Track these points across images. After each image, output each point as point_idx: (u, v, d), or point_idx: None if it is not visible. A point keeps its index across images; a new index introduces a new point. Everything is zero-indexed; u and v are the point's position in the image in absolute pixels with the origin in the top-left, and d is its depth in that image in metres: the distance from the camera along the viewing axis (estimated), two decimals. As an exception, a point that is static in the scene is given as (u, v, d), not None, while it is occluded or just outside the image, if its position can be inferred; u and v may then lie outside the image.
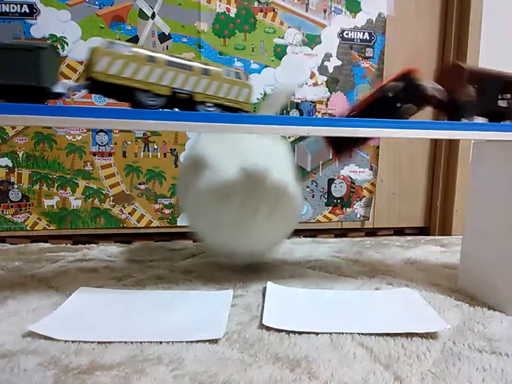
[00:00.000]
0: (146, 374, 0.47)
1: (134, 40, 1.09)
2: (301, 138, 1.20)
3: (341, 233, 1.27)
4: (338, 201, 1.25)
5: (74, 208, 1.12)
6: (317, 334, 0.57)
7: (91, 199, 1.13)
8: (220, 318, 0.62)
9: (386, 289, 0.76)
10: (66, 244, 1.09)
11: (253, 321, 0.61)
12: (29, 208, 1.10)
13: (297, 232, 1.22)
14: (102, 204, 1.13)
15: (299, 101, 1.19)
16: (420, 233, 1.31)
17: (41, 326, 0.57)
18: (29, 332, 0.56)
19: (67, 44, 1.06)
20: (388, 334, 0.57)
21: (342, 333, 0.57)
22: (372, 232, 1.30)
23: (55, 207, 1.11)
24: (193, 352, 0.52)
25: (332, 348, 0.54)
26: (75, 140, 1.10)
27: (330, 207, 1.25)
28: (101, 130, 1.11)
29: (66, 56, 1.06)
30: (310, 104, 1.20)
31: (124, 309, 0.65)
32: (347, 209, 1.26)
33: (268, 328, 0.58)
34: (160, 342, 0.54)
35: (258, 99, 1.16)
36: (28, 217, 1.10)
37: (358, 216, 1.27)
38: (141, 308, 0.66)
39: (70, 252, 0.99)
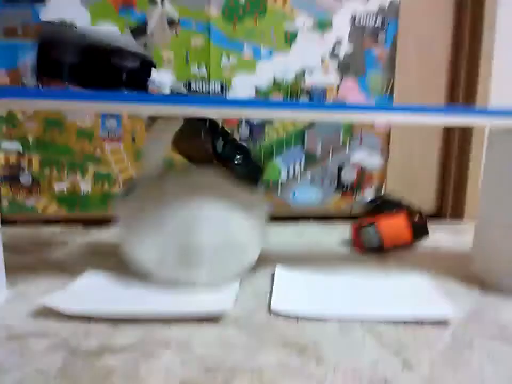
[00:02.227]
0: (154, 358, 0.48)
1: (143, 25, 1.08)
2: (312, 124, 1.19)
3: (351, 218, 1.26)
4: (349, 187, 1.24)
5: (85, 192, 1.13)
6: (326, 320, 0.57)
7: (101, 184, 1.13)
8: (228, 295, 0.63)
9: (397, 273, 0.75)
10: (77, 228, 1.09)
11: (261, 306, 0.61)
12: (40, 192, 1.11)
13: (307, 218, 1.21)
14: (112, 188, 1.13)
15: (309, 87, 1.17)
16: (432, 217, 1.29)
17: (52, 300, 0.58)
18: (39, 313, 0.56)
19: (75, 26, 1.05)
20: (397, 321, 0.57)
21: (351, 319, 0.57)
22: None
23: (65, 191, 1.12)
24: (200, 336, 0.52)
25: (340, 333, 0.54)
26: (84, 125, 1.10)
27: (340, 193, 1.24)
28: (110, 116, 1.11)
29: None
30: (321, 90, 1.18)
31: (132, 289, 0.66)
32: (357, 195, 1.25)
33: (276, 314, 0.58)
34: (169, 324, 0.55)
35: (268, 85, 1.15)
36: (39, 201, 1.11)
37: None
38: (149, 287, 0.66)
39: (80, 235, 1.00)
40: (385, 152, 1.24)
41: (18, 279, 0.69)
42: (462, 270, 0.78)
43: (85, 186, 1.12)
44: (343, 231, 1.07)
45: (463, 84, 1.24)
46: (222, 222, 0.69)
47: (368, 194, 1.25)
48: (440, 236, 1.03)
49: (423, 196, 1.29)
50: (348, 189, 1.24)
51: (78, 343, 0.50)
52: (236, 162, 0.72)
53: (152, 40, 1.09)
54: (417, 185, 1.28)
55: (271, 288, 0.67)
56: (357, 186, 1.24)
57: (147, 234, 0.67)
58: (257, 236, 0.73)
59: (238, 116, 1.09)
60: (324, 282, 0.70)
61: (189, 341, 0.51)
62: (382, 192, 1.25)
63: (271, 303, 0.60)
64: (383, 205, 1.09)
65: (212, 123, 0.70)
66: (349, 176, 1.23)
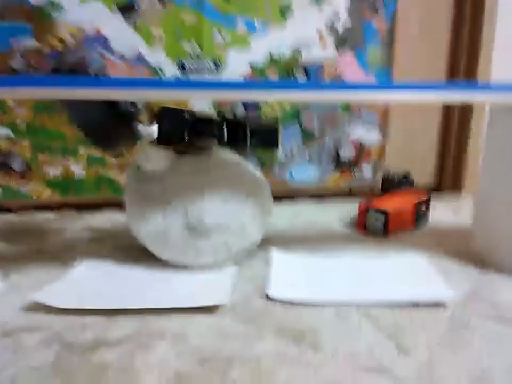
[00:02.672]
0: (150, 350, 0.47)
1: (131, 3, 1.04)
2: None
3: (350, 194, 1.25)
4: (347, 164, 1.22)
5: (78, 176, 1.11)
6: (323, 305, 0.56)
7: (95, 168, 1.11)
8: (225, 285, 0.62)
9: (395, 254, 0.74)
10: (71, 212, 1.08)
11: (258, 292, 0.61)
12: (33, 178, 1.09)
13: (305, 196, 1.20)
14: (106, 172, 1.12)
15: (306, 62, 1.14)
16: (431, 190, 1.27)
17: (44, 295, 0.57)
18: (32, 306, 0.56)
19: (62, 7, 1.01)
20: (394, 304, 0.56)
21: (348, 304, 0.56)
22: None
23: (59, 176, 1.10)
24: (196, 326, 0.52)
25: (337, 319, 0.53)
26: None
27: (339, 171, 1.22)
28: (101, 97, 1.08)
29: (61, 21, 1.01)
30: (318, 66, 1.14)
31: (127, 279, 0.65)
32: (355, 171, 1.23)
33: (273, 300, 0.58)
34: (164, 315, 0.54)
35: (263, 61, 1.12)
36: (32, 186, 1.10)
37: (367, 178, 1.24)
38: (144, 277, 0.66)
39: (75, 221, 0.99)
40: (384, 128, 1.21)
41: (11, 270, 0.68)
42: (461, 248, 0.77)
43: (79, 170, 1.11)
44: (341, 210, 1.06)
45: (464, 59, 1.20)
46: (225, 203, 0.69)
47: (367, 171, 1.23)
48: (440, 213, 1.02)
49: (422, 170, 1.27)
50: (347, 166, 1.22)
51: (73, 337, 0.50)
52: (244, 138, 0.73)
53: (142, 18, 1.05)
54: (416, 161, 1.26)
55: (268, 273, 0.66)
56: (355, 163, 1.22)
57: (152, 212, 0.68)
58: (260, 219, 0.73)
59: (234, 99, 1.06)
60: (321, 265, 0.69)
61: (185, 332, 0.51)
62: (381, 168, 1.23)
63: (268, 290, 0.60)
64: (391, 183, 1.08)
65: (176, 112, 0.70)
66: (347, 153, 1.21)
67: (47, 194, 1.10)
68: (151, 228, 0.68)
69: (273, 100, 1.09)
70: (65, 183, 1.11)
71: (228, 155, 0.74)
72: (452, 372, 0.43)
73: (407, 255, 0.73)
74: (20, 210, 1.08)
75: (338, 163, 1.22)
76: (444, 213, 1.03)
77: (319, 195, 1.21)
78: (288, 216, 1.01)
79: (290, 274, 0.66)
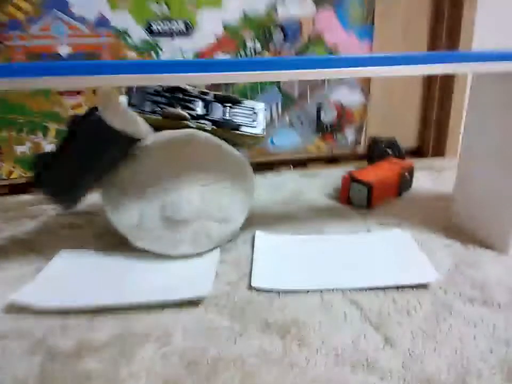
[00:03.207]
0: (134, 355, 0.46)
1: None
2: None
3: (332, 160, 1.23)
4: (329, 128, 1.19)
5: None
6: (307, 291, 0.56)
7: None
8: (207, 275, 0.60)
9: (378, 230, 0.74)
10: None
11: (242, 280, 0.60)
12: (1, 157, 1.04)
13: (287, 163, 1.17)
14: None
15: (282, 19, 1.07)
16: (413, 154, 1.26)
17: (23, 295, 0.56)
18: (13, 306, 0.54)
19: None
20: (378, 288, 0.56)
21: (333, 289, 0.56)
22: (364, 157, 1.25)
23: (28, 153, 1.05)
24: (181, 324, 0.51)
25: (322, 308, 0.53)
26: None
27: (320, 135, 1.19)
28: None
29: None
30: (295, 23, 1.08)
31: (106, 272, 0.63)
32: (338, 135, 1.20)
33: (257, 289, 0.57)
34: (147, 312, 0.53)
35: (237, 20, 1.04)
36: (1, 165, 1.04)
37: (349, 142, 1.21)
38: (124, 269, 0.64)
39: (50, 204, 0.95)
40: (366, 89, 1.17)
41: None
42: (444, 219, 0.77)
43: (49, 146, 1.05)
44: (324, 179, 1.04)
45: (446, 13, 1.15)
46: (204, 191, 0.66)
47: (349, 134, 1.20)
48: (423, 180, 1.00)
49: (404, 133, 1.24)
50: (328, 130, 1.19)
51: (56, 342, 0.49)
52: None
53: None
54: (398, 123, 1.23)
55: (251, 258, 0.65)
56: (337, 127, 1.19)
57: (129, 201, 0.65)
58: (243, 203, 0.70)
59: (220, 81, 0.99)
60: (304, 248, 0.68)
61: (169, 331, 0.50)
62: (365, 134, 1.20)
63: (252, 279, 0.59)
64: (378, 149, 1.06)
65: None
66: (329, 116, 1.17)
67: (18, 173, 1.05)
68: (127, 219, 0.65)
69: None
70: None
71: (204, 135, 0.70)
72: (436, 364, 0.44)
73: (390, 232, 0.72)
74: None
75: (320, 127, 1.18)
76: (426, 180, 1.02)
77: (301, 161, 1.19)
78: (271, 189, 0.99)
79: (273, 260, 0.65)
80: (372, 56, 0.58)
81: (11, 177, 1.05)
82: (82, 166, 0.62)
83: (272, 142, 1.16)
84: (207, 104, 0.74)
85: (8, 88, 0.64)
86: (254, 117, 0.76)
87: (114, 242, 0.71)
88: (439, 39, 1.16)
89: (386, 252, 0.66)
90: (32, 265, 0.66)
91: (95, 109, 0.60)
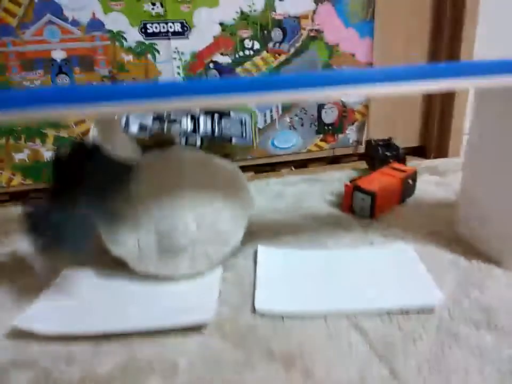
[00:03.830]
0: (140, 392, 0.47)
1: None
2: (288, 61, 1.08)
3: (334, 160, 1.21)
4: (330, 127, 1.17)
5: (48, 159, 1.04)
6: (311, 317, 0.56)
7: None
8: (210, 296, 0.60)
9: (381, 243, 0.73)
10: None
11: (245, 303, 0.59)
12: (0, 165, 1.03)
13: (288, 164, 1.16)
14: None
15: (281, 17, 1.04)
16: (415, 154, 1.25)
17: (25, 320, 0.55)
18: (16, 332, 0.54)
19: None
20: (383, 310, 0.56)
21: (337, 314, 0.56)
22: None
23: (27, 161, 1.04)
24: (186, 354, 0.51)
25: (327, 336, 0.53)
26: (33, 85, 0.98)
27: (321, 135, 1.17)
28: (61, 72, 0.98)
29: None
30: (294, 20, 1.05)
31: (109, 295, 0.63)
32: (339, 135, 1.18)
33: (261, 313, 0.57)
34: (152, 340, 0.53)
35: (234, 19, 1.02)
36: (1, 173, 1.03)
37: (351, 141, 1.20)
38: (126, 292, 0.64)
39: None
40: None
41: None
42: (447, 230, 0.76)
43: (47, 153, 1.04)
44: (326, 184, 1.02)
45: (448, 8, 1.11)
46: (199, 214, 0.64)
47: (351, 135, 1.18)
48: (427, 185, 0.99)
49: (406, 133, 1.23)
50: (330, 130, 1.17)
51: (60, 372, 0.49)
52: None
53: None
54: (400, 123, 1.21)
55: (254, 276, 0.65)
56: (339, 126, 1.17)
57: (125, 231, 0.63)
58: (240, 220, 0.69)
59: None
60: (307, 267, 0.67)
61: (174, 362, 0.50)
62: (365, 133, 1.18)
63: (255, 302, 0.58)
64: (375, 149, 1.04)
65: None
66: (330, 115, 1.15)
67: (18, 180, 1.05)
68: (125, 249, 0.64)
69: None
70: (35, 167, 1.04)
71: (192, 155, 0.68)
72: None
73: (394, 247, 0.71)
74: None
75: (321, 127, 1.17)
76: (430, 184, 1.00)
77: (301, 161, 1.17)
78: (271, 196, 0.97)
79: (276, 279, 0.64)
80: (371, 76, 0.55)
81: (11, 184, 1.05)
82: (93, 206, 0.60)
83: (272, 143, 1.14)
84: (194, 118, 0.72)
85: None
86: (242, 128, 0.75)
87: (116, 260, 0.70)
88: (441, 34, 1.13)
89: (390, 270, 0.65)
90: (34, 285, 0.65)
91: (82, 145, 0.58)
